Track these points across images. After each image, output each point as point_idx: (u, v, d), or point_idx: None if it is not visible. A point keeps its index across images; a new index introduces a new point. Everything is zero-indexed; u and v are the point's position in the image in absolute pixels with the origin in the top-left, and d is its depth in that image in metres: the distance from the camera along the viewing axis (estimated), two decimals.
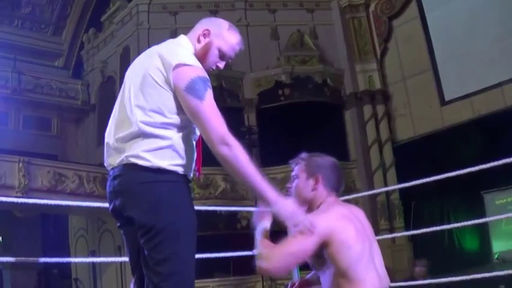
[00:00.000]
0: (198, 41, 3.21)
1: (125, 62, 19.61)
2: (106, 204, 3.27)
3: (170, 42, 3.24)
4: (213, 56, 3.22)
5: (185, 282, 2.91)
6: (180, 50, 3.12)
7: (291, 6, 20.46)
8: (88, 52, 22.88)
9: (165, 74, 2.98)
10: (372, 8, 20.27)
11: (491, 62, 16.91)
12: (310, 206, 3.45)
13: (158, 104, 2.97)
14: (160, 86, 2.98)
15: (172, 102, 2.98)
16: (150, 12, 19.72)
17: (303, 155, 3.58)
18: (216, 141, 2.93)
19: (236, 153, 2.95)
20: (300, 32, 20.00)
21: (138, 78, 3.06)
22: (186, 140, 3.05)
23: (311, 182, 3.44)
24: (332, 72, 19.56)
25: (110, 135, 3.11)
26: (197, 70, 3.01)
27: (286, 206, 3.06)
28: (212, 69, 3.27)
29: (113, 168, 3.07)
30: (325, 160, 3.55)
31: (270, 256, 3.09)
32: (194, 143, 3.15)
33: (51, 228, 20.65)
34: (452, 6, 18.01)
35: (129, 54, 19.54)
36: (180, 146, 3.01)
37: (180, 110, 2.99)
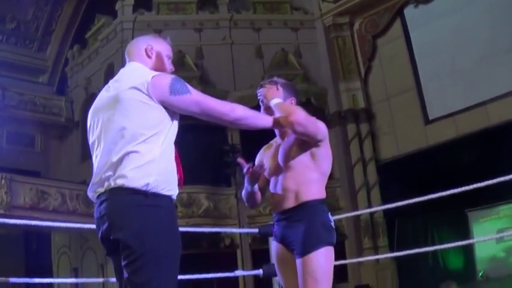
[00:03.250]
0: (148, 56, 3.38)
1: (109, 79, 19.52)
2: (86, 225, 3.28)
3: (127, 70, 3.37)
4: (167, 62, 3.43)
5: None
6: (142, 69, 3.30)
7: (275, 25, 20.54)
8: (72, 69, 22.82)
9: (143, 90, 3.07)
10: (356, 26, 20.35)
11: (475, 81, 17.03)
12: None
13: (139, 121, 3.05)
14: (140, 101, 3.07)
15: (152, 114, 3.07)
16: (134, 30, 19.67)
17: (276, 78, 4.07)
18: (227, 112, 3.26)
19: (244, 115, 3.36)
20: (284, 50, 20.06)
21: (112, 107, 3.15)
22: (168, 151, 3.13)
23: (287, 103, 3.89)
24: (316, 91, 19.59)
25: (97, 173, 3.14)
26: (167, 75, 3.20)
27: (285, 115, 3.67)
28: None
29: (99, 196, 3.09)
30: (294, 86, 4.16)
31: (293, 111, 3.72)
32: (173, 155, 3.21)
33: (34, 245, 20.49)
34: (436, 25, 18.13)
35: (113, 71, 19.45)
36: (163, 157, 3.07)
37: (161, 120, 3.10)
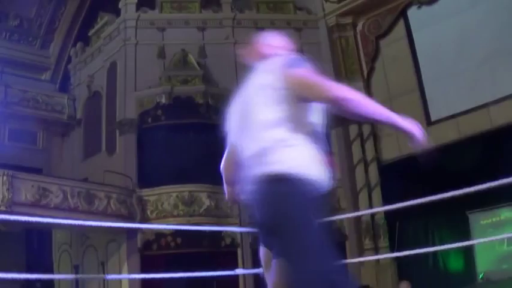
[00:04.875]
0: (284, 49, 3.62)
1: (112, 77, 19.61)
2: (87, 222, 3.27)
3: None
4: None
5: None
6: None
7: (278, 24, 20.49)
8: (75, 66, 22.83)
9: (271, 75, 3.07)
10: (359, 27, 20.36)
11: (477, 83, 17.01)
12: None
13: (275, 110, 2.99)
14: (272, 88, 3.03)
15: (284, 99, 3.01)
16: (137, 28, 19.70)
17: None
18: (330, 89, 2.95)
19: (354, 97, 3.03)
20: None
21: (253, 97, 3.12)
22: (306, 138, 3.03)
23: None
24: None
25: (243, 156, 3.11)
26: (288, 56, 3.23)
27: None
28: None
29: (247, 185, 3.05)
30: None
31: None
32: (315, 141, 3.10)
33: (35, 242, 20.50)
34: (439, 27, 18.12)
35: (116, 69, 19.52)
36: (302, 144, 2.99)
37: (291, 105, 3.00)
